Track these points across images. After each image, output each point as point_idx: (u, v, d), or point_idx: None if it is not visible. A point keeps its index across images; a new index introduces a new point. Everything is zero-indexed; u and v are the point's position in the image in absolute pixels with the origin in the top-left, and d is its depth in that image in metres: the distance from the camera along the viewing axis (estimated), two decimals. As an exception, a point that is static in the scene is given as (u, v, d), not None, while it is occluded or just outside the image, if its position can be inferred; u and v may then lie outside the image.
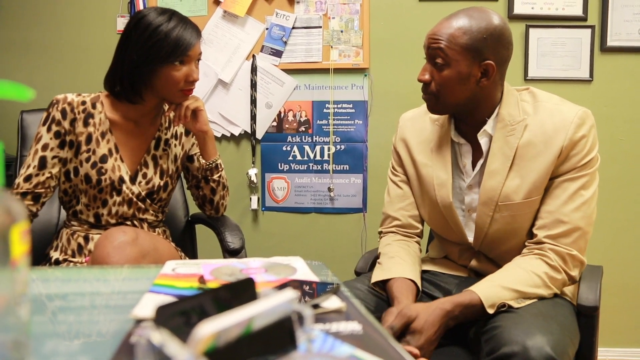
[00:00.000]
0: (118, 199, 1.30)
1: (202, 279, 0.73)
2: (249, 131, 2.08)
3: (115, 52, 1.29)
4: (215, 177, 1.42)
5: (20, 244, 0.40)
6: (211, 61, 2.06)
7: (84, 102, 1.30)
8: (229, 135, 2.10)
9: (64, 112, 1.27)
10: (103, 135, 1.30)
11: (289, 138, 2.09)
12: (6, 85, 0.39)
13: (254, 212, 2.13)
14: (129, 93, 1.28)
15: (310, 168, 2.10)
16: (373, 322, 0.58)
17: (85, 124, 1.29)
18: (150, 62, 1.23)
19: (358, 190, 2.09)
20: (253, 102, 2.06)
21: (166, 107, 1.38)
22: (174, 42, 1.23)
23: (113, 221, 1.31)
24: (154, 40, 1.22)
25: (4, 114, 2.01)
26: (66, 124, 1.27)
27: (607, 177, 1.95)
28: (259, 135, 2.09)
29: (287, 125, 2.09)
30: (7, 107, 1.96)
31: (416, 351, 0.98)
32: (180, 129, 1.42)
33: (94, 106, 1.30)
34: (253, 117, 2.07)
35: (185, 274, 0.77)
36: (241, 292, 0.47)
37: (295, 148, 2.10)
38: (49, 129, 1.27)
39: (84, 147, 1.28)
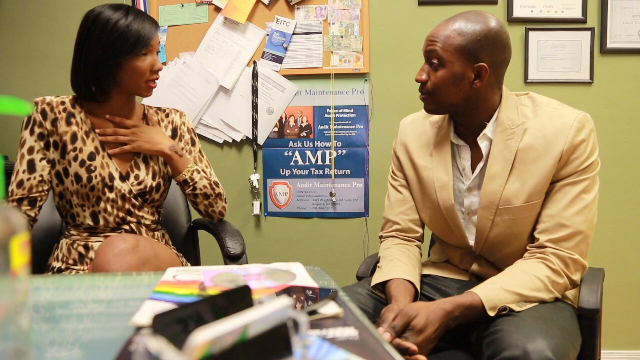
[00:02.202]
0: (111, 195, 1.30)
1: (202, 286, 0.74)
2: (251, 137, 2.09)
3: (75, 52, 1.29)
4: (188, 191, 1.39)
5: (20, 255, 0.41)
6: (212, 68, 2.08)
7: (63, 102, 1.31)
8: (230, 141, 2.11)
9: (44, 113, 1.28)
10: (87, 134, 1.31)
11: (291, 143, 2.10)
12: (5, 100, 0.40)
13: (256, 218, 2.14)
14: (94, 91, 1.29)
15: (312, 173, 2.10)
16: (369, 327, 0.58)
17: (68, 123, 1.29)
18: (117, 55, 1.25)
19: (360, 195, 2.10)
20: (254, 108, 2.07)
21: (150, 110, 1.40)
22: (136, 34, 1.25)
23: (111, 219, 1.31)
24: (117, 34, 1.24)
25: (7, 122, 2.03)
26: (48, 125, 1.28)
27: (608, 178, 1.95)
28: (261, 140, 2.10)
29: (288, 131, 2.10)
30: (11, 115, 1.98)
31: (414, 347, 0.98)
32: (167, 132, 1.42)
33: (73, 106, 1.32)
34: (254, 123, 2.08)
35: (186, 280, 0.77)
36: (238, 299, 0.48)
37: (296, 153, 2.10)
38: (31, 132, 1.28)
39: (70, 147, 1.28)
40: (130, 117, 1.37)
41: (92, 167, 1.29)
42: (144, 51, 1.27)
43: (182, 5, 2.08)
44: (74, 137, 1.29)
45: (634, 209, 2.04)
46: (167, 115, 1.44)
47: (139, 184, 1.34)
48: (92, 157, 1.29)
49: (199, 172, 1.39)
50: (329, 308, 0.63)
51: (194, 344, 0.36)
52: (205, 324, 0.43)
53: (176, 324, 0.44)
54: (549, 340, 0.93)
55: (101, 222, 1.31)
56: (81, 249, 1.30)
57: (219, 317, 0.44)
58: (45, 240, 1.47)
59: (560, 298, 1.13)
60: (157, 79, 1.32)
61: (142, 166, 1.35)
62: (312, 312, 0.62)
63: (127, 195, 1.32)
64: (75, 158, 1.28)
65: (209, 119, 2.09)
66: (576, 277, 1.13)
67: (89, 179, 1.28)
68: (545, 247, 1.13)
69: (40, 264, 1.37)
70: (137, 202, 1.34)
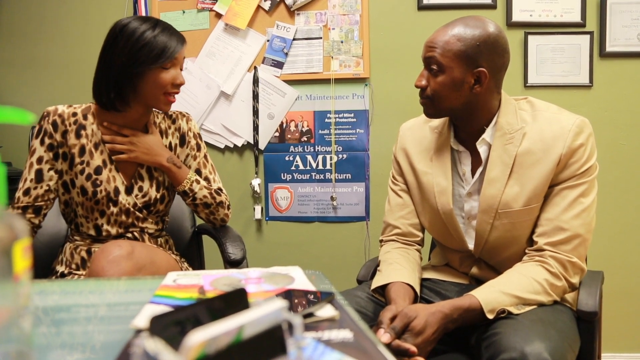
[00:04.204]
0: (115, 209, 1.30)
1: (201, 290, 0.75)
2: (252, 142, 2.10)
3: (99, 60, 1.29)
4: (188, 201, 1.40)
5: (22, 260, 0.42)
6: (213, 73, 2.09)
7: (74, 114, 1.30)
8: (232, 146, 2.13)
9: (55, 125, 1.28)
10: (96, 146, 1.30)
11: (292, 148, 2.12)
12: (8, 110, 0.41)
13: (257, 222, 2.15)
14: (115, 100, 1.27)
15: (313, 177, 2.12)
16: (365, 330, 0.59)
17: (78, 135, 1.29)
18: (139, 65, 1.24)
19: (360, 199, 2.11)
20: (255, 113, 2.09)
21: (157, 118, 1.39)
22: (162, 45, 1.24)
23: (113, 231, 1.31)
24: (143, 43, 1.23)
25: (11, 128, 2.04)
26: (58, 136, 1.28)
27: (607, 181, 1.96)
28: (262, 145, 2.11)
29: (289, 136, 2.12)
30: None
31: (414, 349, 0.99)
32: (174, 140, 1.41)
33: (85, 117, 1.31)
34: (255, 128, 2.10)
35: (186, 284, 0.78)
36: (234, 301, 0.49)
37: (297, 158, 2.12)
38: (42, 142, 1.28)
39: (77, 159, 1.28)
40: (148, 126, 1.37)
41: (98, 182, 1.29)
42: (168, 64, 1.26)
43: (183, 12, 2.10)
44: (82, 150, 1.29)
45: (634, 211, 2.04)
46: (173, 122, 1.42)
47: (144, 196, 1.34)
48: (98, 171, 1.29)
49: (198, 182, 1.38)
50: (325, 311, 0.64)
51: (190, 345, 0.37)
52: (201, 325, 0.44)
53: (173, 325, 0.45)
54: (547, 343, 0.93)
55: (104, 233, 1.32)
56: (84, 254, 1.31)
57: (215, 319, 0.45)
58: (50, 245, 1.48)
59: (559, 301, 1.13)
60: (177, 92, 1.31)
61: (146, 177, 1.35)
62: (309, 315, 0.63)
63: (131, 209, 1.32)
64: (82, 171, 1.28)
65: (210, 125, 2.11)
66: (575, 280, 1.13)
67: (94, 193, 1.28)
68: (543, 250, 1.13)
69: (45, 268, 1.38)
70: (141, 215, 1.34)
